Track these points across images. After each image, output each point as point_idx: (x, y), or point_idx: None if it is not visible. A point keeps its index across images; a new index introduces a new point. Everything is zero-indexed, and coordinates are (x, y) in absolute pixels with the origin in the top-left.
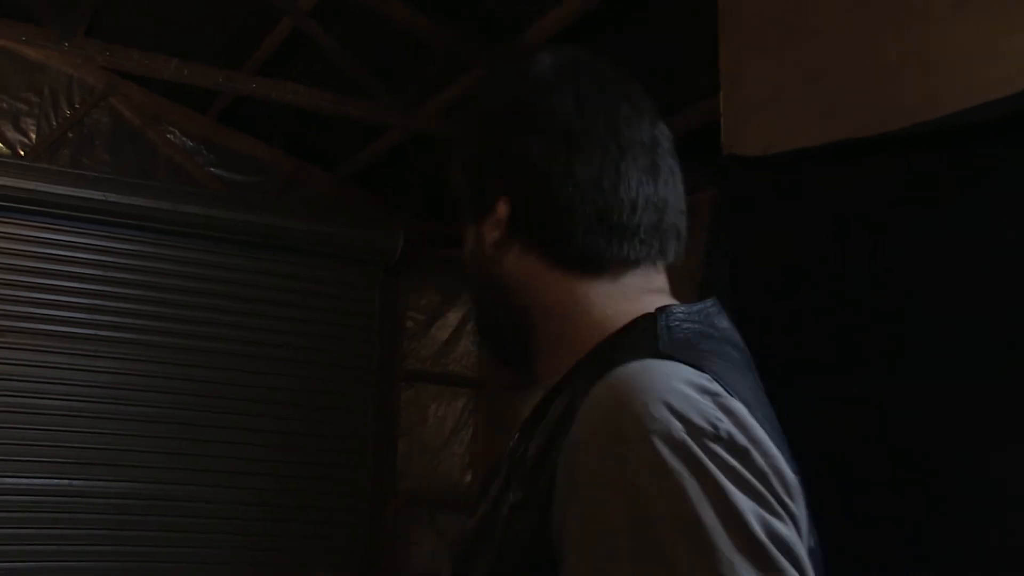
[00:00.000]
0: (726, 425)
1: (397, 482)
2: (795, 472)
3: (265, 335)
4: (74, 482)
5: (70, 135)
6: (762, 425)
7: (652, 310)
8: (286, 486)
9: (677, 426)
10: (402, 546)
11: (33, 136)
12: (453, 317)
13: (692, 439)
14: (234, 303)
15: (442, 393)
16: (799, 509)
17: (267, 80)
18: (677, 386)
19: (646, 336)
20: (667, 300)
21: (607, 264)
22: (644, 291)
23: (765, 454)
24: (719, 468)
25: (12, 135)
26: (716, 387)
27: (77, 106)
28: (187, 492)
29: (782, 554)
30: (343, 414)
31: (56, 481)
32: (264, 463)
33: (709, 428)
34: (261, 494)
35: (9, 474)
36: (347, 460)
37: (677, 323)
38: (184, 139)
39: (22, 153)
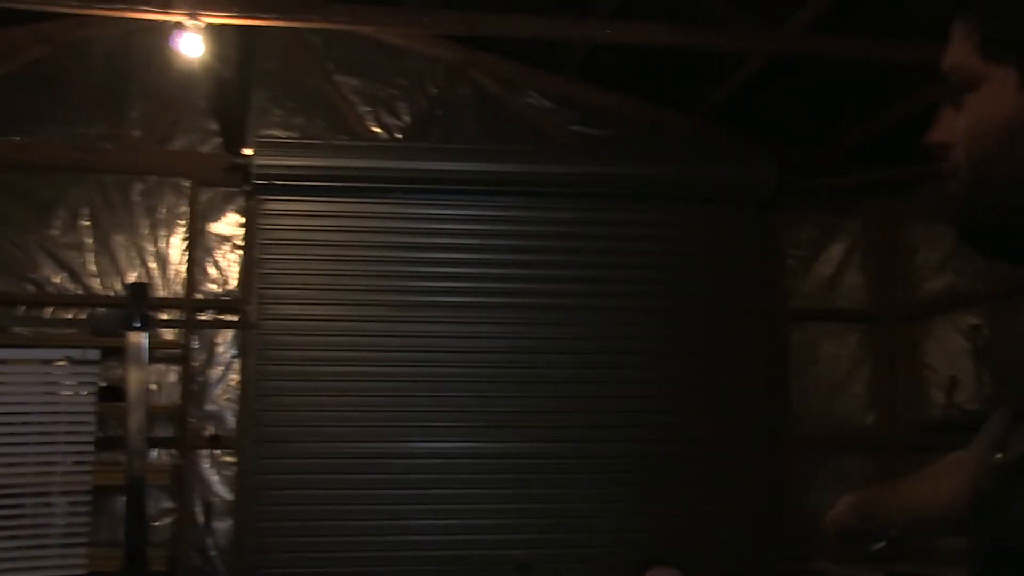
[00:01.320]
0: None
1: (793, 426)
2: None
3: (642, 287)
4: (479, 445)
5: (439, 112)
6: None
7: None
8: (677, 436)
9: None
10: (801, 491)
11: (406, 118)
12: (836, 250)
13: None
14: (607, 258)
15: (832, 331)
16: None
17: (620, 24)
18: None
19: None
20: None
21: None
22: None
23: None
24: None
25: (387, 119)
26: None
27: (440, 84)
28: (580, 449)
29: None
30: (728, 360)
31: (462, 444)
32: (652, 415)
33: None
34: (653, 447)
35: (420, 439)
36: (737, 407)
37: None
38: (543, 101)
39: (399, 136)
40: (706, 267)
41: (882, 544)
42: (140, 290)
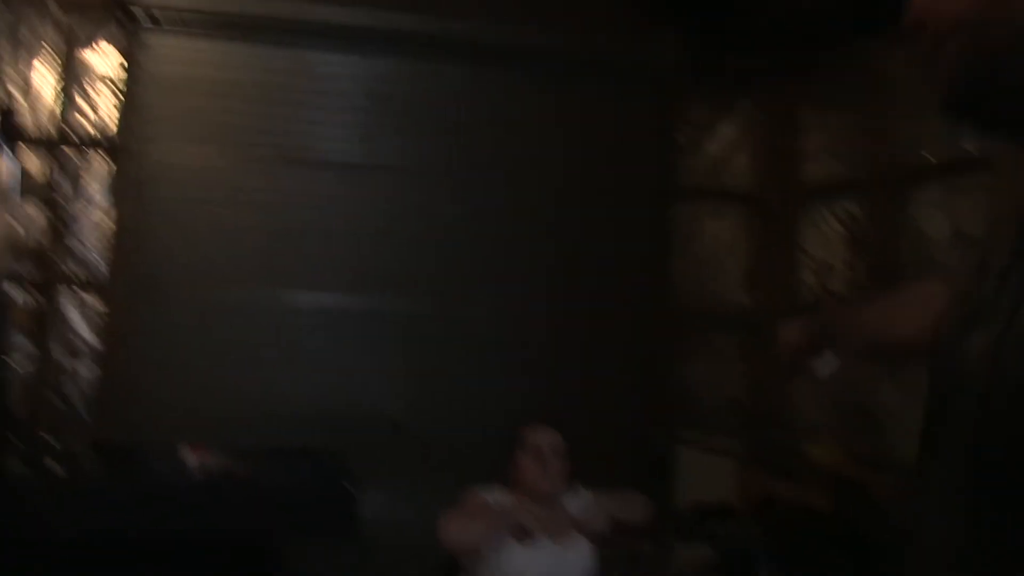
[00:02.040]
0: None
1: (672, 300)
2: None
3: (534, 158)
4: (358, 300)
5: None
6: None
7: None
8: (559, 307)
9: None
10: (678, 364)
11: None
12: (727, 130)
13: None
14: (498, 128)
15: (716, 210)
16: None
17: None
18: None
19: None
20: None
21: None
22: None
23: None
24: None
25: None
26: None
27: None
28: (460, 312)
29: None
30: (612, 234)
31: (341, 299)
32: (535, 284)
33: None
34: (535, 316)
35: (299, 292)
36: (621, 279)
37: None
38: None
39: None
40: (595, 141)
41: (834, 368)
42: (6, 118)
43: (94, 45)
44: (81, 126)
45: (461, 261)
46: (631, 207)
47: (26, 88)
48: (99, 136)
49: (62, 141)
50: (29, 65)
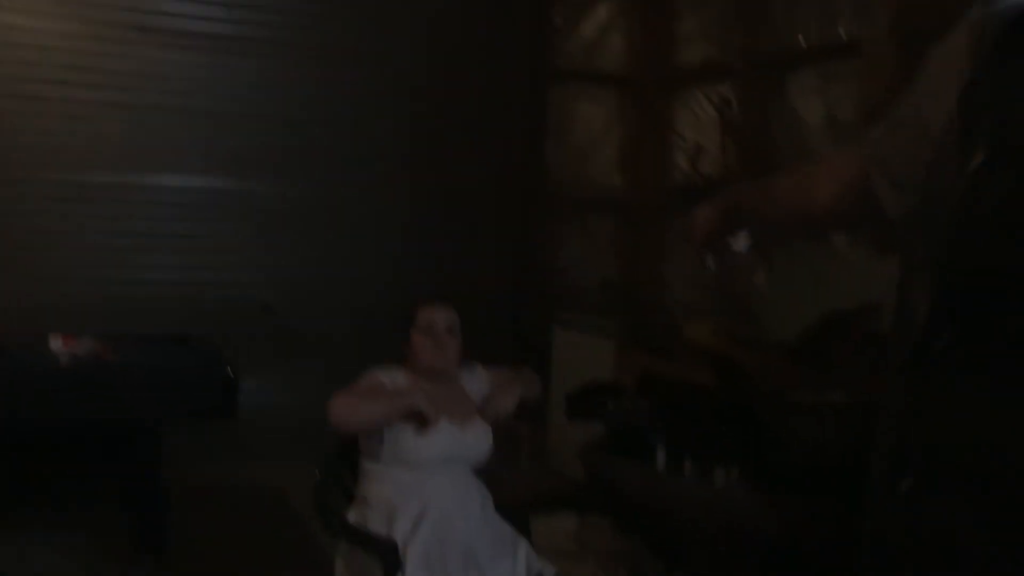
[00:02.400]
0: None
1: (546, 183)
2: None
3: (402, 36)
4: (222, 182)
5: None
6: None
7: None
8: (431, 187)
9: None
10: (551, 246)
11: None
12: (602, 12)
13: None
14: (367, 4)
15: (591, 93)
16: None
17: None
18: None
19: None
20: None
21: None
22: None
23: None
24: None
25: None
26: None
27: None
28: (329, 193)
29: None
30: (487, 115)
31: (204, 180)
32: (406, 164)
33: None
34: (406, 197)
35: (159, 172)
36: (493, 160)
37: None
38: None
39: None
40: (470, 22)
41: (748, 245)
42: None
43: None
44: None
45: (327, 142)
46: (504, 88)
47: None
48: None
49: None
50: None
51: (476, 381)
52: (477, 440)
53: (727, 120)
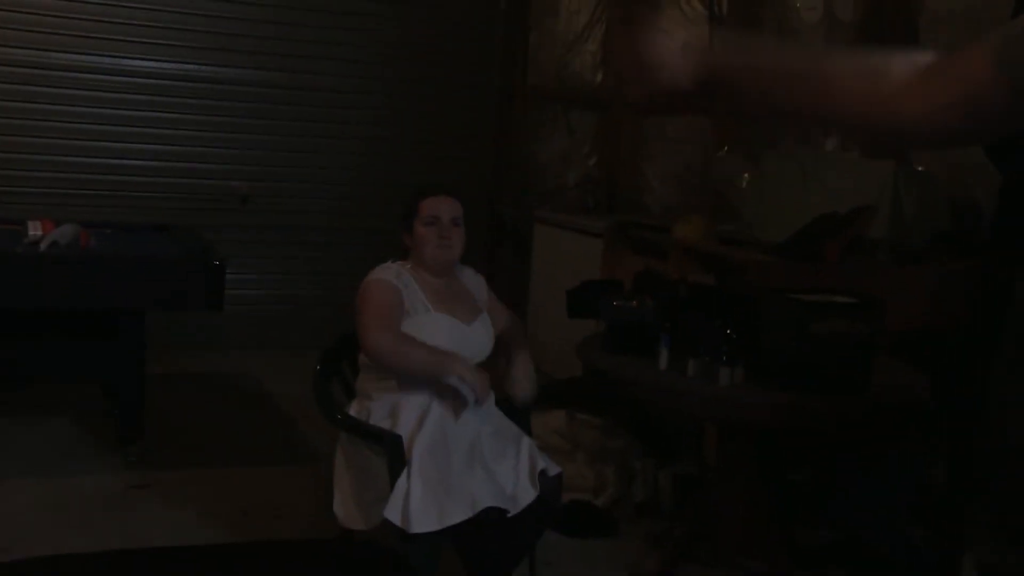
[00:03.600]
0: None
1: (527, 77)
2: None
3: None
4: (201, 67)
5: None
6: None
7: None
8: (411, 89)
9: None
10: (531, 140)
11: None
12: None
13: None
14: None
15: None
16: None
17: None
18: None
19: None
20: None
21: None
22: None
23: None
24: None
25: None
26: None
27: None
28: (304, 80)
29: None
30: (468, 5)
31: (184, 65)
32: (386, 58)
33: None
34: (383, 93)
35: (138, 56)
36: (475, 51)
37: None
38: None
39: None
40: None
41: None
42: None
43: None
44: None
45: (308, 29)
46: None
47: None
48: None
49: None
50: None
51: (473, 281)
52: (480, 337)
53: (716, 15)
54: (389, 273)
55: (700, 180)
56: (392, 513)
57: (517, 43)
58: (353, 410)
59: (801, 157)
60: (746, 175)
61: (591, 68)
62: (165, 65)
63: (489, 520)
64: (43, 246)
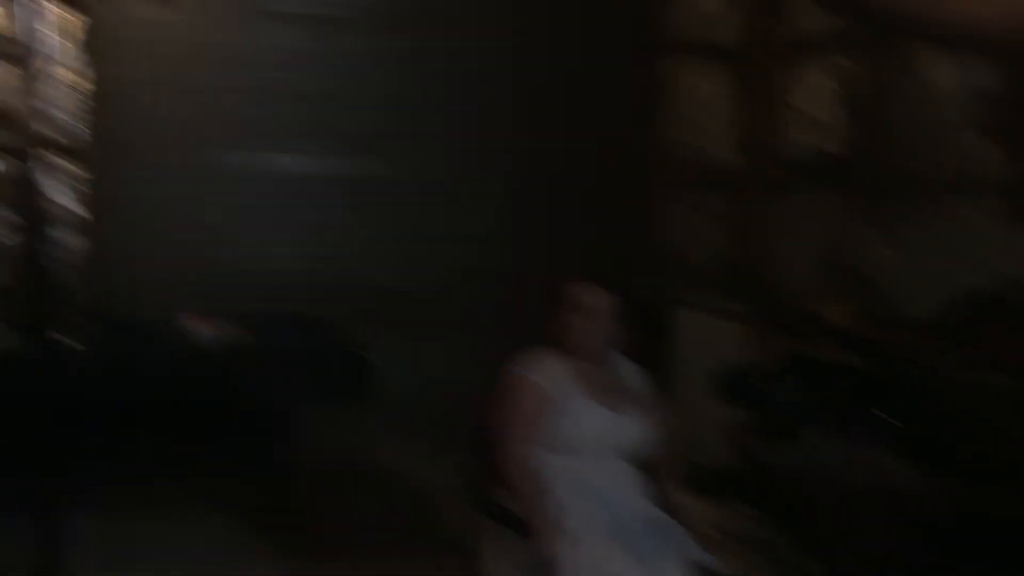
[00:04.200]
0: None
1: (658, 159)
2: None
3: (503, 9)
4: (342, 162)
5: None
6: None
7: None
8: (544, 162)
9: None
10: (662, 224)
11: None
12: None
13: None
14: None
15: (704, 66)
16: None
17: None
18: None
19: None
20: None
21: None
22: None
23: None
24: None
25: None
26: None
27: None
28: (444, 171)
29: None
30: (599, 89)
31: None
32: (519, 139)
33: None
34: (519, 173)
35: (283, 152)
36: (605, 136)
37: None
38: None
39: None
40: None
41: None
42: None
43: None
44: None
45: (436, 120)
46: (614, 61)
47: None
48: None
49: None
50: None
51: (628, 370)
52: (634, 428)
53: (847, 92)
54: (533, 367)
55: (837, 257)
56: None
57: (647, 124)
58: (501, 500)
59: (935, 225)
60: (884, 249)
61: (724, 148)
62: (301, 160)
63: None
64: (198, 339)
